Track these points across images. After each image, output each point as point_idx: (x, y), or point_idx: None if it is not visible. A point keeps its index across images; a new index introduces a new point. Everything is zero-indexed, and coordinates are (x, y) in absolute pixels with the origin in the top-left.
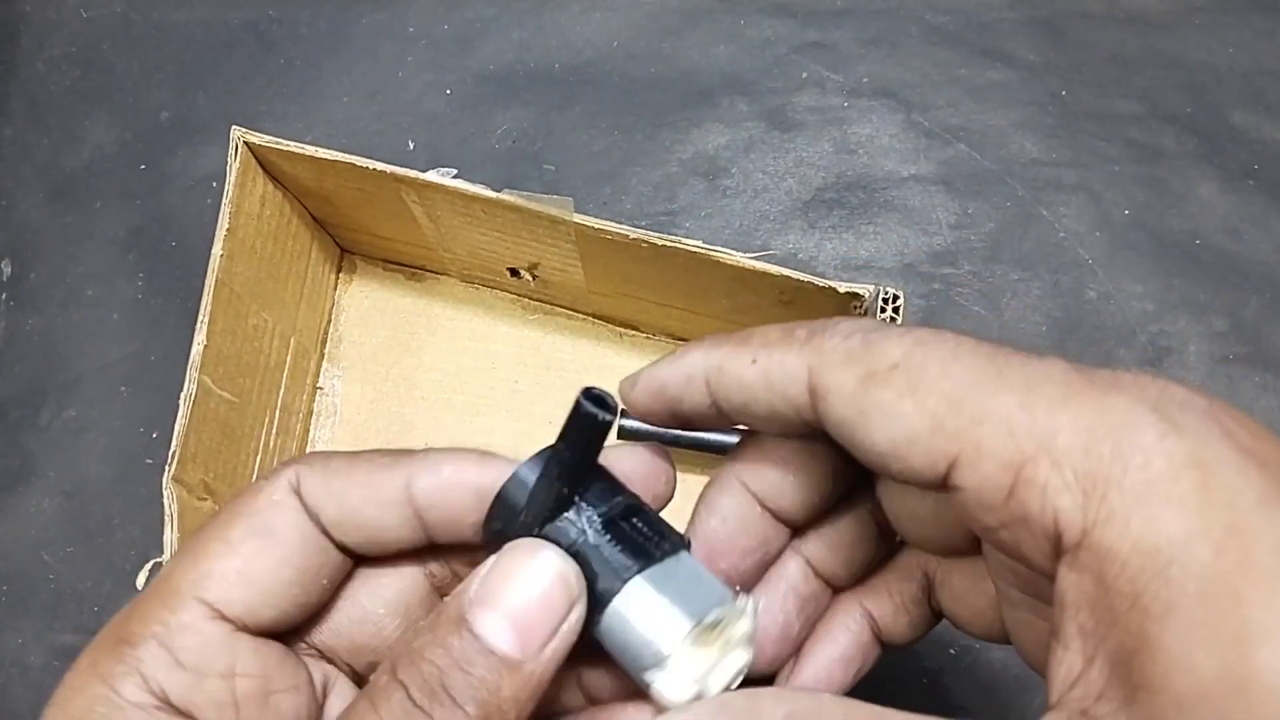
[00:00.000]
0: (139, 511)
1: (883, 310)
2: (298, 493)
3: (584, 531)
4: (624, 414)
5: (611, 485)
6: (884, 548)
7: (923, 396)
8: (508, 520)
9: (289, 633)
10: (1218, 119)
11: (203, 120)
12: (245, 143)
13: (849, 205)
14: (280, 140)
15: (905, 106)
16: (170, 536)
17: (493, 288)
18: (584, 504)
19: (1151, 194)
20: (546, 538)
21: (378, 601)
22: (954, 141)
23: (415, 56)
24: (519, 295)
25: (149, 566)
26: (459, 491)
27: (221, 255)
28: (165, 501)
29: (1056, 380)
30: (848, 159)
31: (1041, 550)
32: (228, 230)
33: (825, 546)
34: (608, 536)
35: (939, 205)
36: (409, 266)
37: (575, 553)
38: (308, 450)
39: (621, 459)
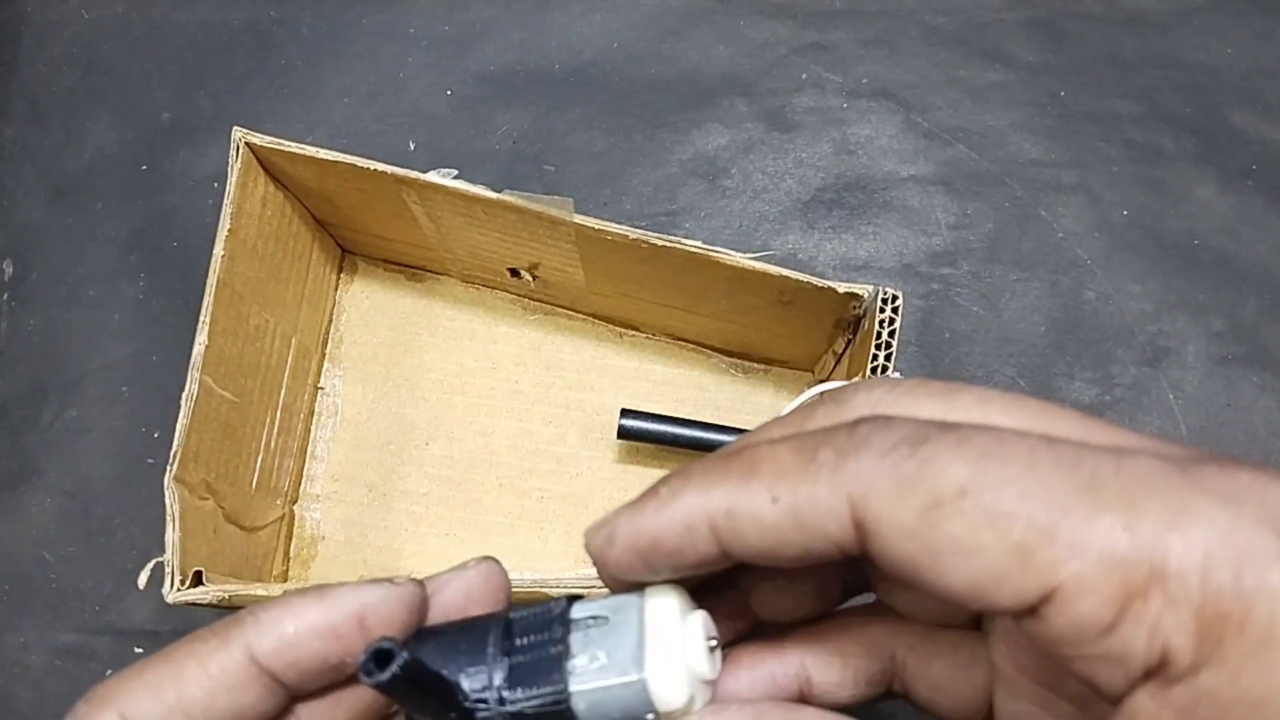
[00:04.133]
0: (140, 511)
1: (882, 310)
2: None
3: (496, 697)
4: (625, 413)
5: (468, 636)
6: (837, 595)
7: (1005, 527)
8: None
9: None
10: (1216, 119)
11: (204, 121)
12: (246, 143)
13: (848, 206)
14: (281, 141)
15: (904, 107)
16: (172, 536)
17: (493, 288)
18: (467, 671)
19: (1150, 194)
20: None
21: None
22: (953, 142)
23: (416, 57)
24: (519, 295)
25: (150, 566)
26: (310, 643)
27: (223, 256)
28: (167, 501)
29: (1159, 490)
30: (847, 159)
31: (1121, 679)
32: (229, 231)
33: (773, 588)
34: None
35: (938, 206)
36: (410, 267)
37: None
38: (309, 450)
39: (451, 594)
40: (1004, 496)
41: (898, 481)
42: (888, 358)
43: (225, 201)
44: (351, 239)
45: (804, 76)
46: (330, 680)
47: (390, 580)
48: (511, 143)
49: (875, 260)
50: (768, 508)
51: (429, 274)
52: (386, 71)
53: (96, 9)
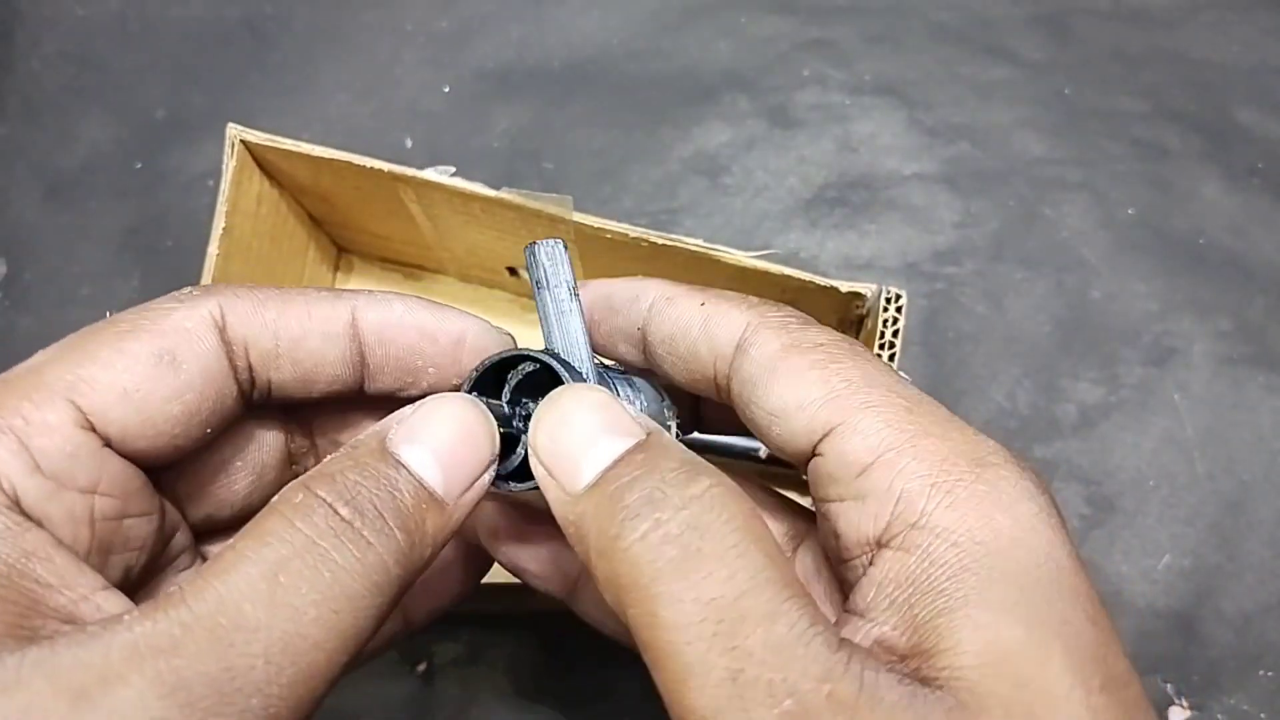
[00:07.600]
0: None
1: (885, 309)
2: (220, 327)
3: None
4: None
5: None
6: None
7: (830, 374)
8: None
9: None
10: (1223, 117)
11: (198, 118)
12: (241, 140)
13: (851, 204)
14: (276, 138)
15: (908, 104)
16: None
17: (491, 287)
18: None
19: (1156, 193)
20: None
21: (235, 452)
22: (957, 139)
23: (413, 53)
24: (518, 294)
25: None
26: (409, 332)
27: (217, 255)
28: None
29: (943, 416)
30: (850, 157)
31: (864, 532)
32: (224, 229)
33: None
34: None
35: (942, 204)
36: (406, 265)
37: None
38: None
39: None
40: (841, 359)
41: (783, 324)
42: (891, 357)
43: (220, 199)
44: (348, 237)
45: (806, 73)
46: (393, 382)
47: (488, 321)
48: (510, 140)
49: (878, 259)
50: (695, 307)
51: (426, 272)
52: (383, 68)
53: (91, 5)
